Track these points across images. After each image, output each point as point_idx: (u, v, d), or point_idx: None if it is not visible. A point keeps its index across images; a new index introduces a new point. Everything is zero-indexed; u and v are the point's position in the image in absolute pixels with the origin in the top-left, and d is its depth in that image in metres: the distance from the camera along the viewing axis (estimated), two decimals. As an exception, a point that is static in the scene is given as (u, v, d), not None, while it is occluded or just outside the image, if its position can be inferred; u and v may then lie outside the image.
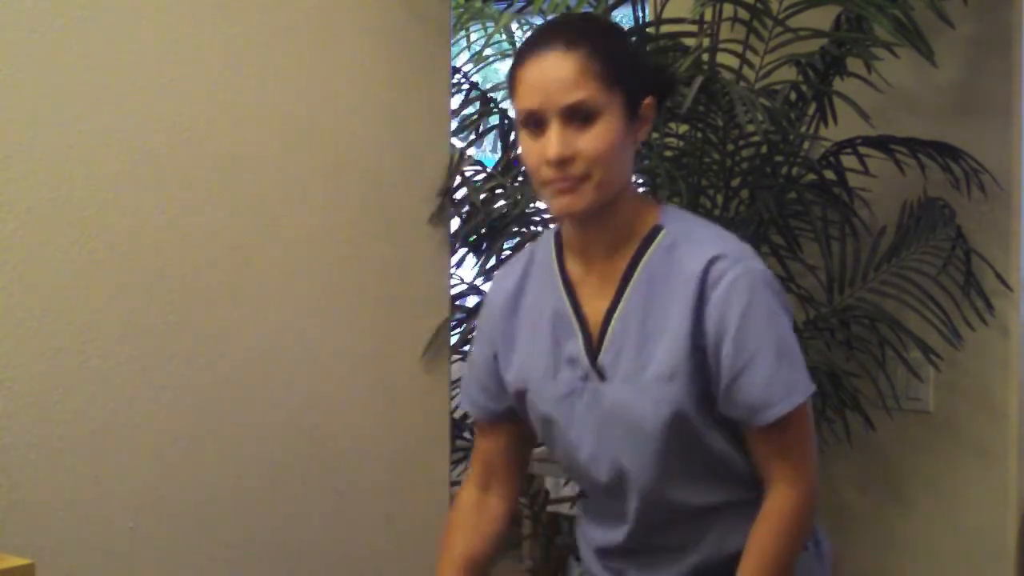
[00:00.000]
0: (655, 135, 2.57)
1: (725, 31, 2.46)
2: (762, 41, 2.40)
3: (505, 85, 1.56)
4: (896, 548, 2.67)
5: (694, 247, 1.50)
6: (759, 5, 2.33)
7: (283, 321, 2.05)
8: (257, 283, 2.01)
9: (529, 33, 1.53)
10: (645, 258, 1.52)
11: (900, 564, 2.66)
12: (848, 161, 2.50)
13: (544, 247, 1.62)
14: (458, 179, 2.36)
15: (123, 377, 1.81)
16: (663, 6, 2.46)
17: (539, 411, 1.59)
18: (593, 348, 1.54)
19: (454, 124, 2.64)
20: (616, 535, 1.61)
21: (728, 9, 2.43)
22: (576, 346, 1.54)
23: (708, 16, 2.43)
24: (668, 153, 2.53)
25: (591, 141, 1.43)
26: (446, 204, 2.32)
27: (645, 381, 1.49)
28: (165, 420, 1.87)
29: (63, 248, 1.74)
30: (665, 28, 2.45)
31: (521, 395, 1.60)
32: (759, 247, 2.48)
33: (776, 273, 2.50)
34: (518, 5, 2.63)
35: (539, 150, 1.44)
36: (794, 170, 2.49)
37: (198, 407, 1.92)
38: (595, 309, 1.54)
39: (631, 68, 1.50)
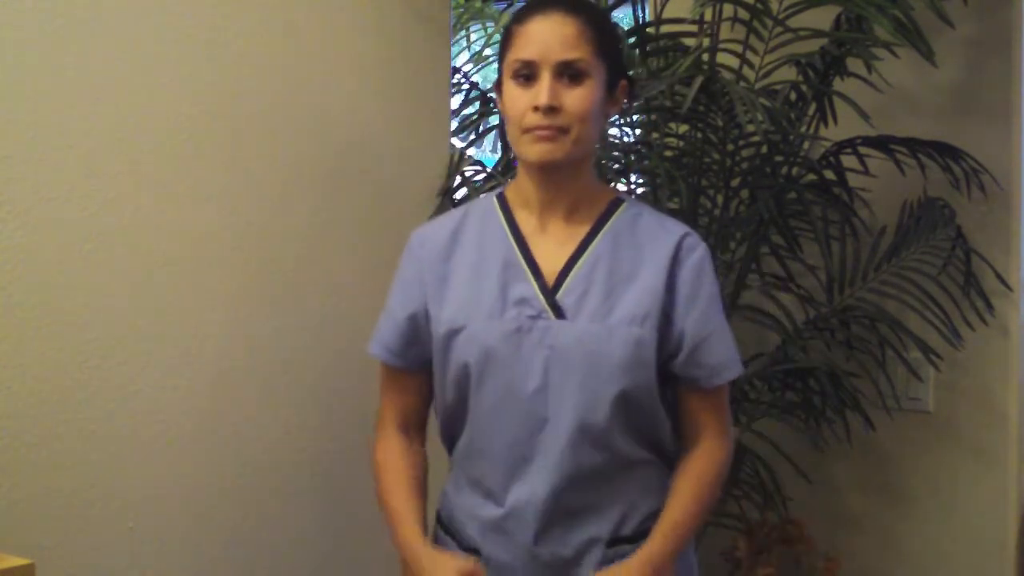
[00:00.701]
0: (655, 135, 2.57)
1: (725, 31, 2.46)
2: (762, 41, 2.40)
3: (499, 51, 1.65)
4: (896, 548, 2.66)
5: (661, 220, 1.70)
6: (759, 5, 2.33)
7: (283, 321, 2.05)
8: (257, 283, 2.01)
9: None
10: (611, 221, 1.68)
11: (900, 564, 2.66)
12: (848, 161, 2.50)
13: (481, 205, 1.72)
14: (458, 179, 2.36)
15: (123, 377, 1.82)
16: (663, 6, 2.46)
17: (478, 348, 1.61)
18: (548, 290, 1.62)
19: (454, 124, 2.64)
20: (533, 492, 1.61)
21: (728, 9, 2.43)
22: (528, 288, 1.63)
23: (708, 16, 2.43)
24: (668, 153, 2.53)
25: (577, 98, 1.58)
26: (446, 204, 2.32)
27: (614, 321, 1.61)
28: (165, 420, 1.87)
29: (63, 248, 1.74)
30: (665, 28, 2.45)
31: (453, 334, 1.64)
32: (759, 247, 2.48)
33: (776, 273, 2.53)
34: (518, 5, 2.63)
35: (528, 98, 1.58)
36: (794, 170, 2.49)
37: (198, 407, 1.92)
38: (549, 259, 1.65)
39: (616, 49, 1.66)
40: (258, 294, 2.01)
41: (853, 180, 2.53)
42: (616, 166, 2.48)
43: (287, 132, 2.05)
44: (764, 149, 2.43)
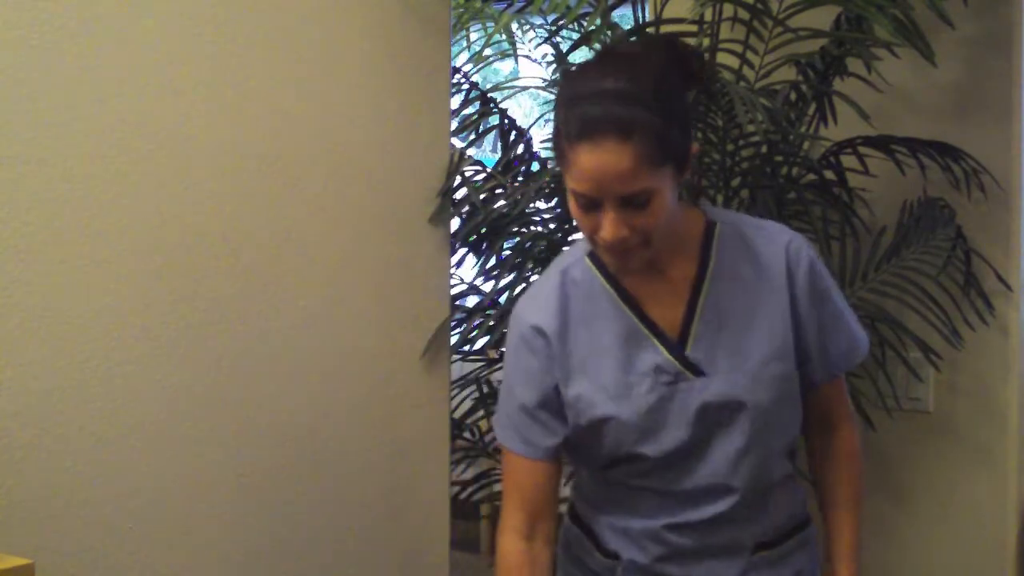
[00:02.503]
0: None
1: (725, 31, 2.46)
2: (762, 41, 2.40)
3: (551, 144, 1.52)
4: (896, 548, 2.67)
5: (762, 233, 1.62)
6: (759, 5, 2.33)
7: (283, 321, 2.05)
8: (257, 283, 2.01)
9: (576, 78, 1.48)
10: (713, 253, 1.59)
11: (900, 564, 2.66)
12: (848, 161, 2.50)
13: (577, 269, 1.62)
14: (458, 179, 2.36)
15: (123, 377, 1.82)
16: (663, 6, 2.46)
17: (625, 429, 1.57)
18: (677, 350, 1.57)
19: (454, 124, 2.64)
20: (695, 519, 1.61)
21: (728, 9, 2.43)
22: (657, 354, 1.57)
23: (708, 16, 2.42)
24: (668, 153, 2.52)
25: (647, 219, 1.46)
26: (446, 204, 2.32)
27: (753, 365, 1.56)
28: (165, 420, 1.87)
29: (63, 248, 1.74)
30: (665, 28, 2.45)
31: (597, 422, 1.58)
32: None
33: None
34: (518, 5, 2.63)
35: (592, 224, 1.47)
36: (794, 170, 2.49)
37: (198, 407, 1.92)
38: (666, 315, 1.58)
39: (680, 133, 1.48)
40: (258, 294, 2.01)
41: (853, 180, 2.53)
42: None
43: (287, 132, 2.05)
44: (764, 149, 2.43)
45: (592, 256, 1.61)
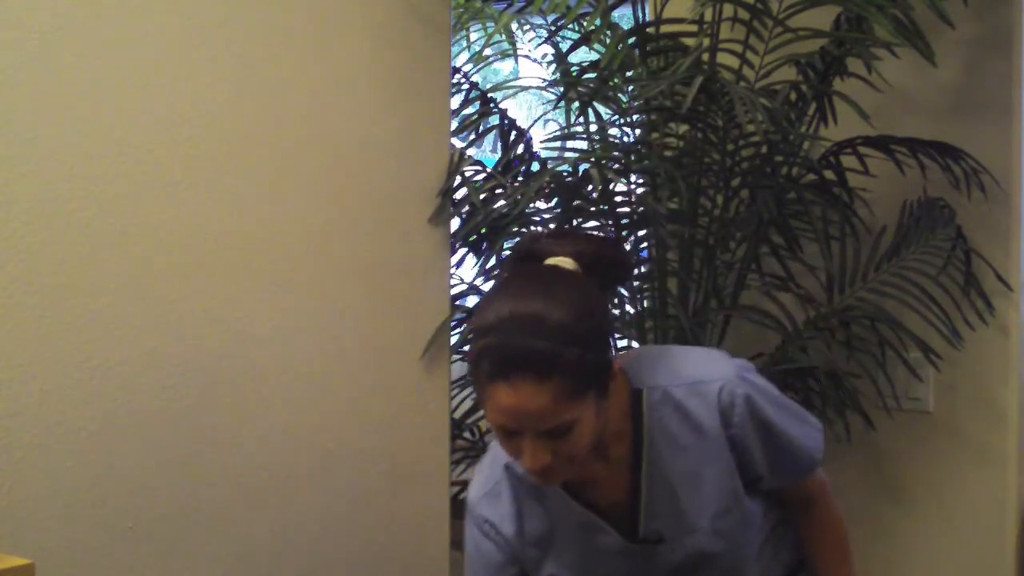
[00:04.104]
0: (655, 135, 2.57)
1: (725, 31, 2.46)
2: (762, 41, 2.40)
3: (468, 371, 1.43)
4: (896, 548, 2.66)
5: (692, 391, 1.52)
6: (759, 5, 2.33)
7: (283, 321, 2.05)
8: (257, 283, 2.01)
9: (489, 303, 1.40)
10: (646, 428, 1.52)
11: (900, 564, 2.66)
12: (848, 161, 2.50)
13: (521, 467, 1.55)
14: (458, 179, 2.36)
15: (123, 377, 1.81)
16: (663, 6, 2.46)
17: None
18: (631, 530, 1.57)
19: (454, 124, 2.64)
20: None
21: (728, 9, 2.43)
22: (612, 540, 1.57)
23: (708, 16, 2.42)
24: (668, 153, 2.53)
25: (569, 447, 1.40)
26: (446, 204, 2.32)
27: (708, 523, 1.56)
28: (165, 420, 1.87)
29: (63, 248, 1.74)
30: (665, 28, 2.45)
31: None
32: (759, 247, 2.48)
33: (776, 273, 2.53)
34: (518, 5, 2.63)
35: (513, 448, 1.42)
36: (794, 170, 2.49)
37: (198, 407, 1.92)
38: (613, 497, 1.56)
39: (601, 355, 1.41)
40: (258, 294, 2.01)
41: (853, 180, 2.53)
42: (616, 166, 2.48)
43: (287, 132, 2.05)
44: (764, 149, 2.43)
45: None
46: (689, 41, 2.44)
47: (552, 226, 2.49)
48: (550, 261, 1.45)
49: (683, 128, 2.52)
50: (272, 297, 2.03)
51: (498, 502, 1.60)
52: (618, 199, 2.48)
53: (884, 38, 2.27)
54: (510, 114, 2.74)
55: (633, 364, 1.56)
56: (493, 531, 1.60)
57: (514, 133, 2.70)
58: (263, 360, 2.02)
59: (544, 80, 2.85)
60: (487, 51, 2.88)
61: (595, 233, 1.56)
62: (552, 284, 1.40)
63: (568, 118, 2.56)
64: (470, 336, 1.44)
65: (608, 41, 2.26)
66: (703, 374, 1.54)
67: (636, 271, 2.54)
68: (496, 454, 1.60)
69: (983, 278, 2.48)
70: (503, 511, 1.59)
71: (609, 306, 1.54)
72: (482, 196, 2.41)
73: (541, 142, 2.71)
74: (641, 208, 2.47)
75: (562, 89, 2.51)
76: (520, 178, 2.60)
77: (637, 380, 1.53)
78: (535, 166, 2.67)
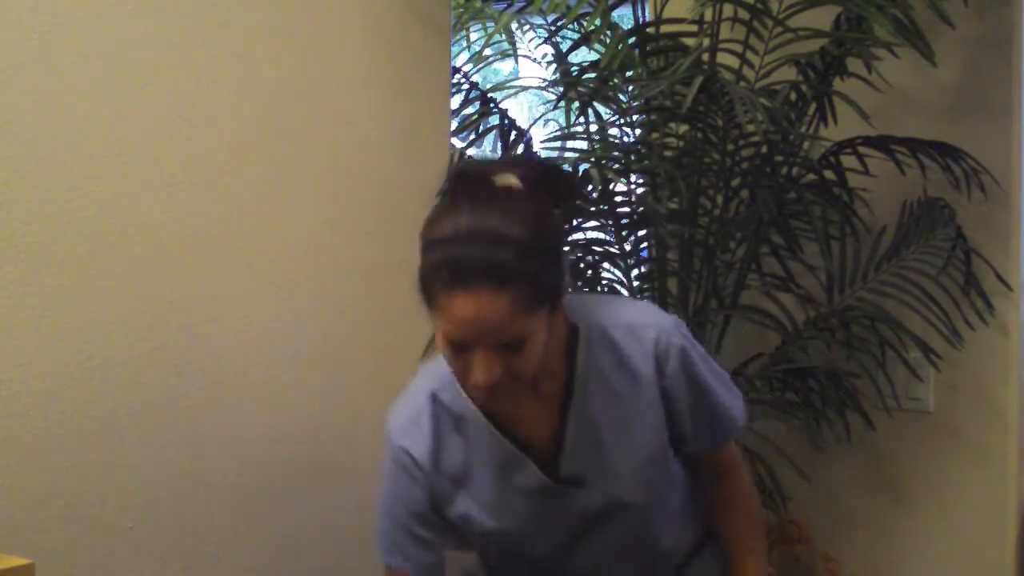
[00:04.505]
0: (655, 135, 2.57)
1: (725, 31, 2.45)
2: (762, 41, 2.39)
3: (419, 285, 1.43)
4: (896, 548, 2.66)
5: (629, 334, 1.54)
6: (759, 5, 2.33)
7: (283, 321, 2.05)
8: (257, 283, 2.01)
9: (443, 217, 1.41)
10: (580, 364, 1.53)
11: (900, 564, 2.66)
12: (848, 161, 2.50)
13: (448, 393, 1.57)
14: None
15: (123, 377, 1.81)
16: (663, 6, 2.45)
17: (508, 538, 1.61)
18: (553, 469, 1.56)
19: (454, 124, 2.64)
20: None
21: (728, 9, 2.43)
22: (532, 477, 1.56)
23: (708, 16, 2.42)
24: (668, 153, 2.53)
25: (520, 363, 1.40)
26: (446, 204, 2.32)
27: (632, 471, 1.56)
28: (165, 420, 1.87)
29: (63, 248, 1.74)
30: (665, 28, 2.45)
31: (480, 536, 1.61)
32: (759, 247, 2.48)
33: (776, 273, 2.53)
34: (518, 5, 2.63)
35: (462, 365, 1.41)
36: (794, 170, 2.49)
37: (198, 407, 1.92)
38: (539, 432, 1.56)
39: (555, 270, 1.42)
40: (258, 294, 2.01)
41: (853, 180, 2.53)
42: (616, 166, 2.48)
43: (287, 132, 2.05)
44: (764, 149, 2.43)
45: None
46: (689, 41, 2.44)
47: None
48: (498, 181, 1.43)
49: (683, 128, 2.52)
50: (272, 297, 2.03)
51: (417, 431, 1.57)
52: (618, 199, 2.48)
53: (884, 38, 2.27)
54: (510, 114, 2.74)
55: (573, 303, 1.56)
56: (409, 460, 1.57)
57: (514, 133, 2.70)
58: (263, 360, 2.02)
59: (544, 80, 2.85)
60: (487, 51, 2.88)
61: (536, 158, 1.57)
62: (508, 200, 1.40)
63: (568, 118, 2.56)
64: (423, 248, 1.42)
65: (608, 41, 2.26)
66: (642, 320, 1.56)
67: (636, 271, 2.54)
68: (420, 384, 1.60)
69: (983, 278, 2.48)
70: (421, 440, 1.57)
71: (562, 225, 1.54)
72: (482, 196, 2.40)
73: (541, 142, 2.71)
74: (641, 208, 2.47)
75: (562, 89, 2.51)
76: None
77: (576, 317, 1.54)
78: (535, 166, 2.67)
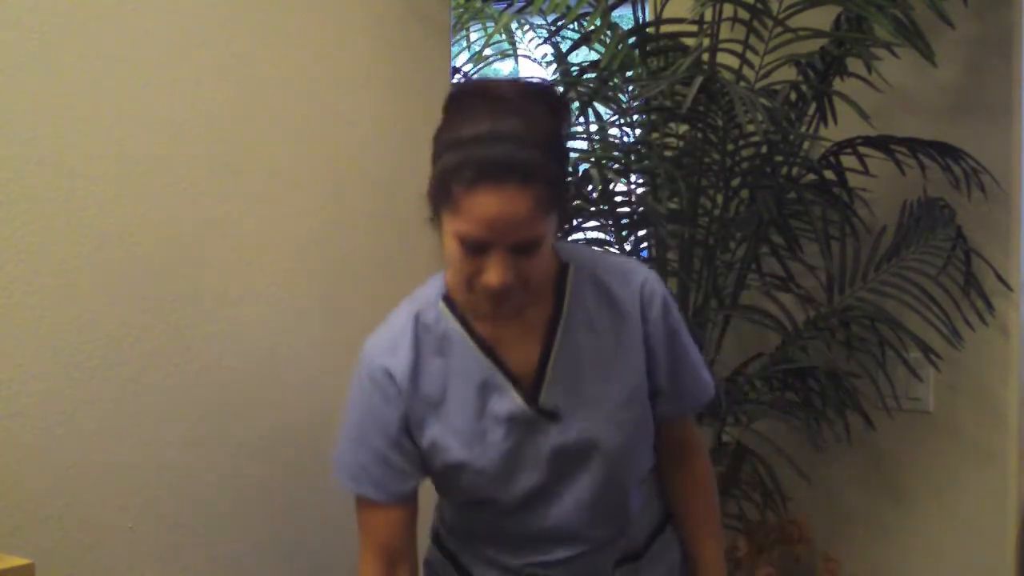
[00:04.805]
0: (655, 135, 2.57)
1: (725, 31, 2.46)
2: (762, 41, 2.40)
3: (432, 190, 1.45)
4: (896, 548, 2.67)
5: (616, 276, 1.59)
6: (759, 5, 2.33)
7: (283, 321, 2.05)
8: (257, 283, 2.01)
9: (463, 120, 1.42)
10: (568, 297, 1.56)
11: (900, 564, 2.66)
12: (848, 161, 2.50)
13: (432, 313, 1.57)
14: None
15: (123, 377, 1.81)
16: (663, 6, 2.46)
17: (479, 475, 1.56)
18: (531, 396, 1.55)
19: (454, 124, 2.64)
20: (555, 556, 1.62)
21: (728, 9, 2.43)
22: (513, 402, 1.54)
23: (708, 16, 2.43)
24: (668, 153, 2.53)
25: (533, 269, 1.43)
26: (446, 204, 2.32)
27: (608, 408, 1.55)
28: (165, 420, 1.87)
29: (63, 248, 1.74)
30: (665, 28, 2.45)
31: (450, 467, 1.57)
32: (759, 247, 2.48)
33: (776, 273, 2.53)
34: (518, 5, 2.63)
35: (473, 268, 1.42)
36: (794, 170, 2.49)
37: (198, 407, 1.92)
38: (522, 359, 1.55)
39: (567, 181, 1.48)
40: (258, 294, 2.01)
41: (853, 180, 2.53)
42: (616, 166, 2.48)
43: (287, 132, 2.05)
44: (764, 149, 2.43)
45: (447, 300, 1.57)
46: (689, 41, 2.44)
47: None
48: (506, 93, 1.45)
49: (683, 128, 2.52)
50: (272, 297, 2.03)
51: (397, 351, 1.56)
52: (618, 199, 2.48)
53: (884, 38, 2.27)
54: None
55: (563, 246, 1.61)
56: (386, 379, 1.55)
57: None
58: (263, 360, 2.02)
59: (544, 80, 2.85)
60: (487, 51, 2.89)
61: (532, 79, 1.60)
62: (521, 106, 1.42)
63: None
64: (440, 152, 1.43)
65: (608, 41, 2.26)
66: (630, 266, 1.62)
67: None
68: (402, 309, 1.59)
69: (983, 278, 2.48)
70: (401, 360, 1.55)
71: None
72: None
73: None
74: (641, 208, 2.47)
75: (562, 89, 2.51)
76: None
77: (566, 256, 1.58)
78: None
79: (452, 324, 1.56)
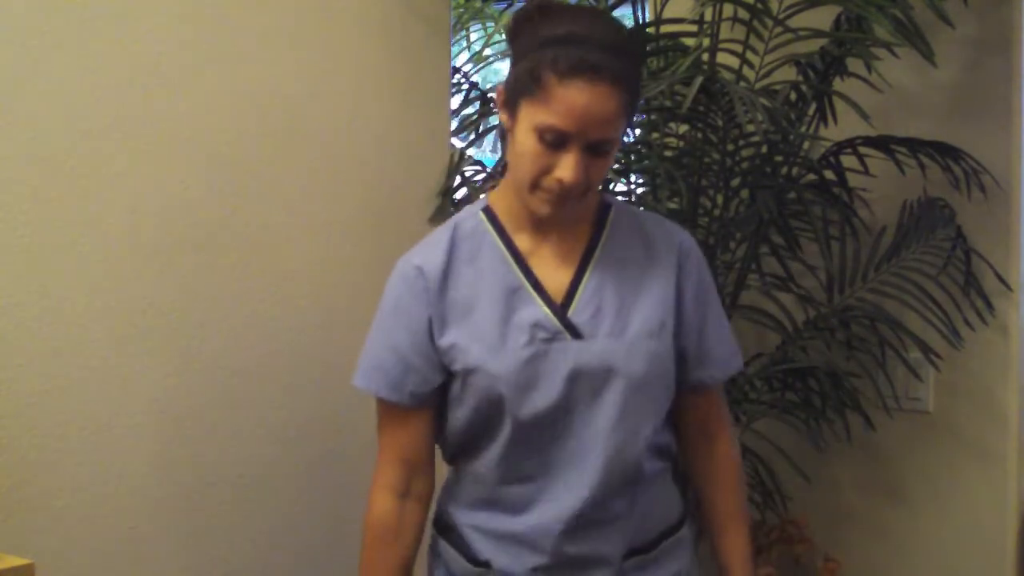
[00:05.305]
0: (655, 135, 2.57)
1: (725, 31, 2.46)
2: (762, 41, 2.40)
3: (518, 78, 1.48)
4: (896, 548, 2.67)
5: (658, 224, 1.66)
6: (759, 5, 2.33)
7: (283, 321, 2.05)
8: (258, 283, 2.01)
9: (563, 21, 1.47)
10: (606, 230, 1.62)
11: (900, 564, 2.66)
12: (848, 161, 2.50)
13: (469, 224, 1.62)
14: (458, 179, 2.36)
15: (123, 377, 1.81)
16: (663, 6, 2.46)
17: (497, 382, 1.54)
18: (559, 310, 1.56)
19: (454, 124, 2.64)
20: (560, 508, 1.57)
21: (728, 9, 2.43)
22: (538, 311, 1.56)
23: (708, 16, 2.43)
24: (668, 153, 2.53)
25: (600, 171, 1.51)
26: (446, 204, 2.32)
27: (632, 335, 1.57)
28: (165, 420, 1.87)
29: (63, 248, 1.74)
30: (665, 28, 2.45)
31: (469, 371, 1.56)
32: (759, 247, 2.48)
33: (776, 273, 2.53)
34: (518, 5, 2.63)
35: (545, 164, 1.47)
36: (794, 170, 2.49)
37: (198, 407, 1.92)
38: (553, 278, 1.59)
39: (639, 97, 1.55)
40: (259, 294, 2.01)
41: (853, 180, 2.53)
42: (616, 166, 2.48)
43: (287, 132, 2.05)
44: (764, 149, 2.43)
45: (487, 212, 1.62)
46: (689, 41, 2.44)
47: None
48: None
49: (683, 128, 2.52)
50: (272, 297, 2.03)
51: (430, 252, 1.61)
52: (618, 199, 2.48)
53: (884, 38, 2.27)
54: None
55: (606, 193, 1.70)
56: (417, 275, 1.59)
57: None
58: (263, 360, 2.02)
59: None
60: (487, 51, 2.88)
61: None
62: (613, 20, 1.55)
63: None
64: (530, 48, 1.48)
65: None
66: (671, 223, 1.68)
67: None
68: (446, 223, 1.65)
69: (983, 278, 2.48)
70: (433, 260, 1.59)
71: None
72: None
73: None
74: (641, 208, 2.47)
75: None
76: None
77: (609, 199, 1.67)
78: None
79: (490, 233, 1.61)
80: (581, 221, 1.61)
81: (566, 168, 1.46)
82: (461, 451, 1.66)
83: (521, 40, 1.51)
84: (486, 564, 1.63)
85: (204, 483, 1.94)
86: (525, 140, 1.48)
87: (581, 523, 1.58)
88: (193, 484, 1.92)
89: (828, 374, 2.45)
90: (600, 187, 1.65)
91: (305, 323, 2.10)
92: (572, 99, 1.43)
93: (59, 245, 1.74)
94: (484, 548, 1.63)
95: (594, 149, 1.47)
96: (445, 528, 1.71)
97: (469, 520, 1.66)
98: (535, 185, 1.50)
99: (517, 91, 1.49)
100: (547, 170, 1.48)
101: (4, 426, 1.67)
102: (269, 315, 2.03)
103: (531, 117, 1.46)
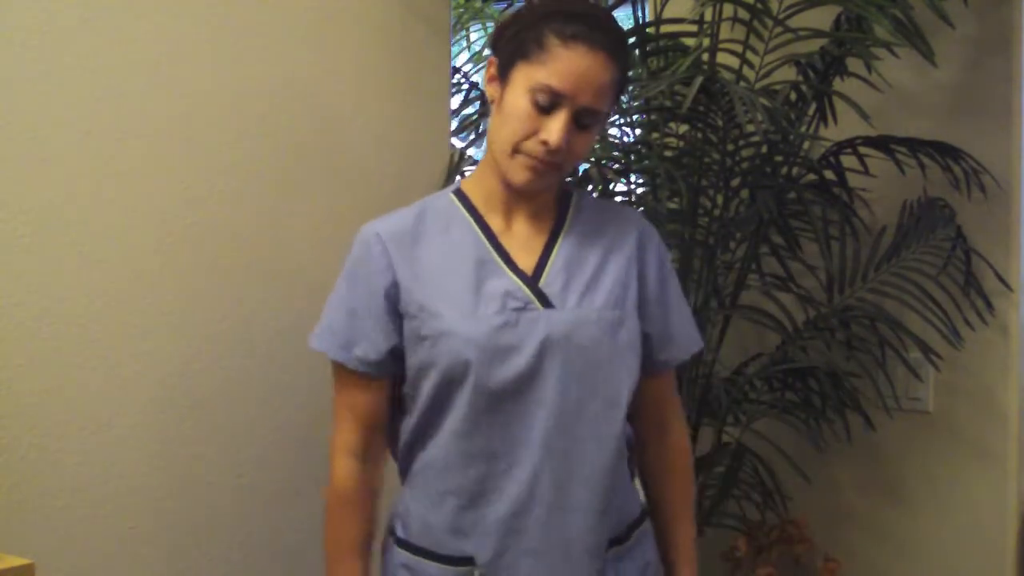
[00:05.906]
0: (655, 135, 2.57)
1: (725, 31, 2.46)
2: (762, 41, 2.40)
3: (516, 37, 1.53)
4: (896, 548, 2.67)
5: (617, 211, 1.72)
6: (759, 5, 2.33)
7: (283, 321, 2.05)
8: (257, 283, 2.01)
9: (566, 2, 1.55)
10: (570, 213, 1.67)
11: (900, 564, 2.66)
12: (848, 161, 2.50)
13: (442, 200, 1.66)
14: (458, 179, 2.36)
15: (123, 377, 1.81)
16: (663, 6, 2.46)
17: (465, 349, 1.53)
18: (530, 281, 1.59)
19: (454, 124, 2.64)
20: (532, 487, 1.56)
21: (728, 9, 2.43)
22: (509, 282, 1.58)
23: (708, 16, 2.43)
24: (668, 153, 2.53)
25: (583, 144, 1.55)
26: (446, 204, 2.32)
27: (600, 307, 1.60)
28: (165, 420, 1.87)
29: (63, 248, 1.74)
30: (665, 28, 2.45)
31: (434, 337, 1.55)
32: (759, 247, 2.48)
33: (776, 273, 2.53)
34: (518, 5, 2.63)
35: (536, 125, 1.52)
36: (794, 170, 2.49)
37: (198, 407, 1.92)
38: (522, 253, 1.62)
39: (623, 91, 1.64)
40: (258, 294, 2.01)
41: (853, 180, 2.53)
42: (616, 166, 2.48)
43: (287, 132, 2.05)
44: (764, 149, 2.43)
45: (458, 194, 1.65)
46: (689, 41, 2.44)
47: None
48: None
49: (683, 128, 2.52)
50: (272, 297, 2.03)
51: (396, 219, 1.64)
52: (618, 199, 2.48)
53: (884, 38, 2.27)
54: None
55: (568, 185, 1.74)
56: (374, 238, 1.61)
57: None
58: (263, 359, 2.02)
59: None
60: (487, 51, 2.88)
61: None
62: (606, 11, 1.61)
63: (568, 118, 2.55)
64: (534, 9, 1.54)
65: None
66: (630, 210, 1.75)
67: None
68: (415, 203, 1.67)
69: (983, 278, 2.48)
70: (396, 226, 1.62)
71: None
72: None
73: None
74: (641, 208, 2.47)
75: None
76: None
77: (570, 188, 1.72)
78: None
79: (460, 211, 1.64)
80: (546, 208, 1.65)
81: (553, 130, 1.50)
82: (418, 438, 1.63)
83: (522, 16, 1.56)
84: (469, 560, 1.59)
85: (204, 483, 1.94)
86: (516, 102, 1.52)
87: (555, 503, 1.57)
88: (193, 484, 1.92)
89: (828, 374, 2.45)
90: (568, 178, 1.72)
91: (305, 323, 2.10)
92: (572, 61, 1.49)
93: (59, 245, 1.74)
94: (462, 544, 1.59)
95: (581, 119, 1.52)
96: (405, 542, 1.66)
97: (439, 521, 1.61)
98: (516, 149, 1.54)
99: (515, 55, 1.53)
100: (532, 133, 1.52)
101: (4, 426, 1.67)
102: (268, 315, 2.03)
103: (528, 78, 1.51)
